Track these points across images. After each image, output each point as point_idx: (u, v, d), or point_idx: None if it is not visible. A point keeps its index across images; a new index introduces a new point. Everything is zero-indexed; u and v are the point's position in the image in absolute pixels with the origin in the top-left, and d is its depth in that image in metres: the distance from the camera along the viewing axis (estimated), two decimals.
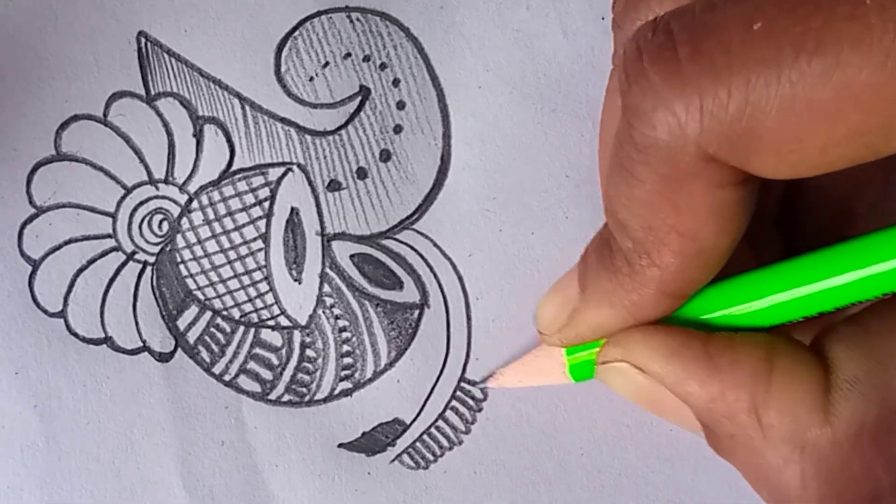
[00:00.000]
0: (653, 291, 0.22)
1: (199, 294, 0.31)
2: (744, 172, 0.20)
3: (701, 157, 0.20)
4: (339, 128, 0.31)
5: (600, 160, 0.27)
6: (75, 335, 0.31)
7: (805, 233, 0.26)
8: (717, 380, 0.22)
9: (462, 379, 0.30)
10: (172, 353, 0.31)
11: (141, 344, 0.31)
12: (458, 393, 0.30)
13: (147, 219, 0.31)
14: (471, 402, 0.30)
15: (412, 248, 0.30)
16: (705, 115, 0.19)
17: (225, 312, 0.31)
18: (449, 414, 0.30)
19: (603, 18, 0.30)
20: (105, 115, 0.31)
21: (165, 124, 0.31)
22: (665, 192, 0.20)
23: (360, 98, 0.30)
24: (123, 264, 0.31)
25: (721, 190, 0.20)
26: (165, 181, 0.31)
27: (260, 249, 0.30)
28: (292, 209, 0.30)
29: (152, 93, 0.31)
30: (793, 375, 0.21)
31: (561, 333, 0.26)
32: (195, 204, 0.31)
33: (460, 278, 0.30)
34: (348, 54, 0.31)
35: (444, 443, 0.30)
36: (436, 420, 0.30)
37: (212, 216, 0.31)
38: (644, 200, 0.21)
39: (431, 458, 0.30)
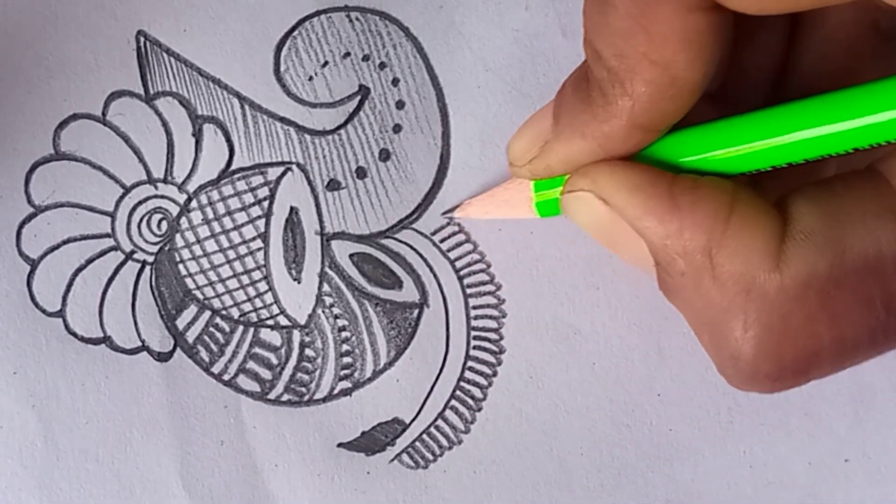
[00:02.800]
0: (624, 122, 0.23)
1: (198, 293, 0.31)
2: None
3: None
4: (339, 127, 0.31)
5: None
6: (74, 335, 0.31)
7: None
8: (676, 217, 0.22)
9: (462, 378, 0.30)
10: (171, 353, 0.30)
11: (140, 343, 0.30)
12: (458, 392, 0.30)
13: (146, 218, 0.31)
14: (470, 401, 0.30)
15: (412, 247, 0.30)
16: None
17: (224, 312, 0.31)
18: (448, 413, 0.30)
19: None
20: (104, 114, 0.31)
21: (164, 123, 0.31)
22: (637, 17, 0.21)
23: (359, 97, 0.30)
24: (122, 264, 0.31)
25: (691, 15, 0.21)
26: (164, 180, 0.31)
27: (259, 249, 0.30)
28: (291, 208, 0.30)
29: (151, 92, 0.31)
30: (750, 221, 0.22)
31: (531, 165, 0.26)
32: (194, 203, 0.31)
33: (460, 278, 0.30)
34: (347, 54, 0.31)
35: (444, 442, 0.30)
36: (435, 419, 0.30)
37: (211, 215, 0.30)
38: (617, 27, 0.21)
39: (431, 457, 0.30)
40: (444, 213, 0.30)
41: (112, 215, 0.31)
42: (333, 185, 0.31)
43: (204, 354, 0.30)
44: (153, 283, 0.31)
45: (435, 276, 0.30)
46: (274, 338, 0.31)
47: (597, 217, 0.24)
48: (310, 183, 0.30)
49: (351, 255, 0.30)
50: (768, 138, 0.22)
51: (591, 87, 0.23)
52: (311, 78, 0.31)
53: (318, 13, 0.31)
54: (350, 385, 0.30)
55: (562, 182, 0.26)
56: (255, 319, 0.31)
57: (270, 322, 0.30)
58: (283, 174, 0.30)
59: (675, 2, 0.21)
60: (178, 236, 0.31)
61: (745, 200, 0.22)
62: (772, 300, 0.21)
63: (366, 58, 0.31)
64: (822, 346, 0.22)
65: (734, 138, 0.23)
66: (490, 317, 0.30)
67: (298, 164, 0.30)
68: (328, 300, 0.30)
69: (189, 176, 0.31)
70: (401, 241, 0.30)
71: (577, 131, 0.24)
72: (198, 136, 0.31)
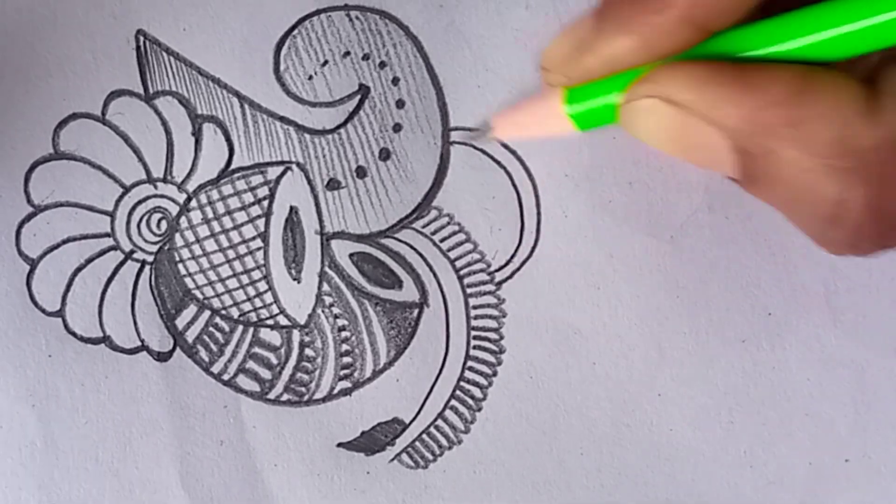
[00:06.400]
0: (677, 13, 0.22)
1: (197, 293, 0.30)
2: None
3: None
4: (339, 126, 0.30)
5: None
6: (73, 334, 0.31)
7: None
8: (752, 97, 0.21)
9: (462, 378, 0.30)
10: (171, 353, 0.30)
11: (139, 343, 0.30)
12: (458, 392, 0.30)
13: (145, 218, 0.31)
14: (470, 401, 0.30)
15: (412, 247, 0.30)
16: None
17: (224, 312, 0.30)
18: (448, 413, 0.30)
19: None
20: (104, 113, 0.31)
21: (164, 123, 0.31)
22: None
23: (359, 97, 0.30)
24: (122, 263, 0.31)
25: None
26: (164, 180, 0.31)
27: (259, 248, 0.30)
28: (291, 208, 0.30)
29: (151, 91, 0.31)
30: (833, 86, 0.21)
31: (567, 68, 0.24)
32: (194, 203, 0.31)
33: (460, 278, 0.30)
34: (347, 53, 0.30)
35: (444, 442, 0.30)
36: (435, 419, 0.30)
37: (210, 215, 0.30)
38: None
39: (431, 457, 0.30)
40: (470, 131, 0.29)
41: (111, 215, 0.31)
42: (333, 185, 0.30)
43: (203, 354, 0.30)
44: (153, 283, 0.31)
45: (435, 275, 0.30)
46: (273, 337, 0.30)
47: (665, 122, 0.23)
48: (309, 182, 0.30)
49: (351, 255, 0.30)
50: (830, 29, 0.21)
51: None
52: (310, 77, 0.30)
53: (317, 12, 0.30)
54: (350, 385, 0.30)
55: (594, 90, 0.24)
56: (255, 319, 0.30)
57: (270, 322, 0.30)
58: (283, 173, 0.30)
59: None
60: (177, 236, 0.31)
61: (822, 71, 0.21)
62: (872, 157, 0.21)
63: (366, 57, 0.30)
64: None
65: (789, 32, 0.22)
66: (490, 316, 0.30)
67: (298, 164, 0.30)
68: (328, 300, 0.30)
69: (189, 175, 0.31)
70: (401, 241, 0.30)
71: (623, 26, 0.23)
72: (197, 135, 0.31)
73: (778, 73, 0.22)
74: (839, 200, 0.21)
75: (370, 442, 0.30)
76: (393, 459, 0.30)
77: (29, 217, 0.31)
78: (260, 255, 0.30)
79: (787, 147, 0.21)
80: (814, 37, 0.22)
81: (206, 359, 0.30)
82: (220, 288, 0.30)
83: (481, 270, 0.30)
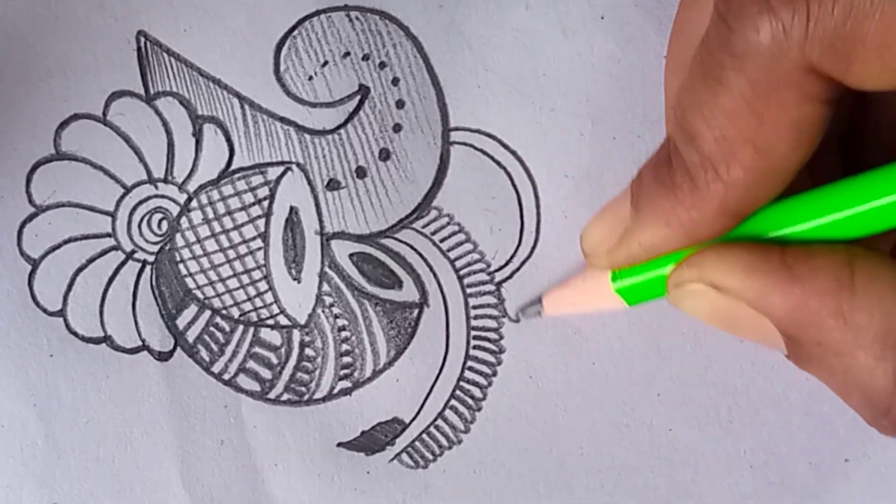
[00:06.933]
0: (713, 208, 0.22)
1: (198, 293, 0.31)
2: (837, 87, 0.20)
3: (800, 66, 0.20)
4: (339, 127, 0.31)
5: (668, 73, 0.26)
6: (75, 334, 0.31)
7: (870, 155, 0.25)
8: (798, 289, 0.22)
9: (462, 378, 0.30)
10: (172, 352, 0.31)
11: (140, 343, 0.31)
12: (458, 392, 0.30)
13: (146, 218, 0.31)
14: (470, 401, 0.30)
15: (412, 247, 0.30)
16: (811, 20, 0.19)
17: (224, 311, 0.31)
18: (448, 413, 0.30)
19: (602, 18, 0.30)
20: (104, 114, 0.31)
21: (165, 123, 0.31)
22: (752, 101, 0.20)
23: (359, 97, 0.30)
24: (123, 263, 0.31)
25: (809, 105, 0.20)
26: (165, 180, 0.31)
27: (259, 248, 0.30)
28: (291, 208, 0.30)
29: (152, 92, 0.31)
30: (877, 277, 0.21)
31: (610, 255, 0.25)
32: (194, 203, 0.31)
33: (460, 278, 0.30)
34: (347, 53, 0.31)
35: (444, 442, 0.30)
36: (435, 419, 0.30)
37: (211, 215, 0.31)
38: (726, 109, 0.21)
39: (431, 457, 0.30)
40: (521, 309, 0.30)
41: (113, 215, 0.31)
42: (333, 185, 0.31)
43: (204, 354, 0.31)
44: (153, 283, 0.31)
45: (435, 275, 0.30)
46: (274, 337, 0.31)
47: (712, 306, 0.23)
48: (310, 182, 0.30)
49: (351, 255, 0.30)
50: (867, 203, 0.22)
51: (676, 173, 0.22)
52: (310, 77, 0.31)
53: (317, 13, 0.31)
54: (350, 385, 0.30)
55: (639, 269, 0.25)
56: (255, 319, 0.31)
57: (270, 322, 0.31)
58: (283, 174, 0.30)
59: (796, 91, 0.20)
60: (178, 236, 0.31)
61: (864, 258, 0.22)
62: None
63: (366, 57, 0.31)
64: None
65: (834, 205, 0.22)
66: (490, 316, 0.30)
67: (298, 164, 0.30)
68: (328, 300, 0.30)
69: (189, 176, 0.31)
70: (401, 241, 0.30)
71: (661, 219, 0.23)
72: (198, 135, 0.31)
73: (823, 261, 0.22)
74: (892, 392, 0.21)
75: (370, 442, 0.30)
76: (393, 459, 0.30)
77: (30, 217, 0.31)
78: (260, 255, 0.30)
79: (836, 339, 0.22)
80: (837, 215, 0.22)
81: (207, 358, 0.31)
82: (220, 288, 0.31)
83: (481, 270, 0.30)
